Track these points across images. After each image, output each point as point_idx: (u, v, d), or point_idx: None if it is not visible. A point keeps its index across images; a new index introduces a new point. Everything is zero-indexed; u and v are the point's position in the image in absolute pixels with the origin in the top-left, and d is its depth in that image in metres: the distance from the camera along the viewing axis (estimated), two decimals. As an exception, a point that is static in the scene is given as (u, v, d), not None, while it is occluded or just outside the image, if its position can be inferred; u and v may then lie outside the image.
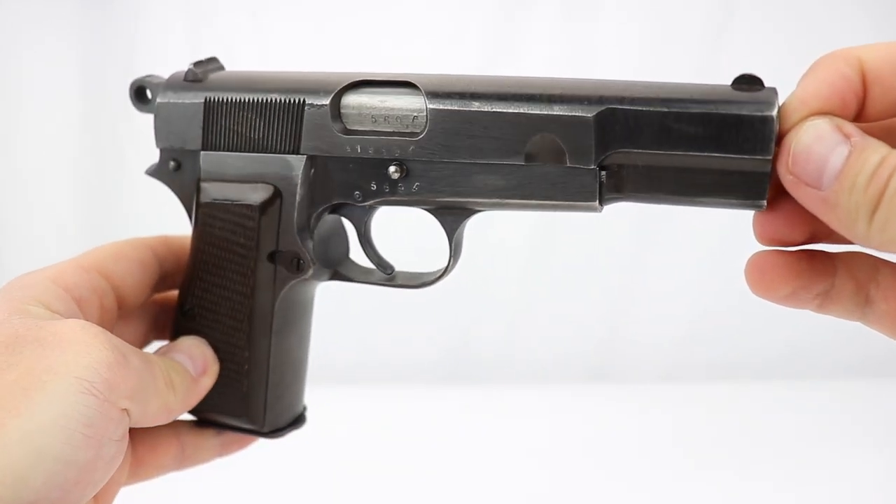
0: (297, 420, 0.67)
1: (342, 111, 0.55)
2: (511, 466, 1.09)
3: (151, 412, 0.53)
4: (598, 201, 0.50)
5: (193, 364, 0.60)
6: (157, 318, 0.67)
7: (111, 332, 0.52)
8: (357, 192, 0.56)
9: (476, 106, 0.50)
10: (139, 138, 1.55)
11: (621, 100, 0.47)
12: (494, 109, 0.50)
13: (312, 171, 0.56)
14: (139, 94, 0.64)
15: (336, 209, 0.59)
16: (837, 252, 0.48)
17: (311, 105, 0.55)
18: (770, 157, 0.44)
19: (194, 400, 0.59)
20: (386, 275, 0.61)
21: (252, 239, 0.59)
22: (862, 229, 0.40)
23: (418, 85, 0.52)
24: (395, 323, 1.57)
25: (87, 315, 0.55)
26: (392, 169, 0.53)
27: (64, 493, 0.45)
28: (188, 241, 0.64)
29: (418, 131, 0.52)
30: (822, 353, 1.57)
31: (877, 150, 0.40)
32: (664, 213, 1.52)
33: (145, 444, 0.61)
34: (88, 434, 0.45)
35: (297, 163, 0.56)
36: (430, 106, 0.52)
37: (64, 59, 1.58)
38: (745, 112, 0.45)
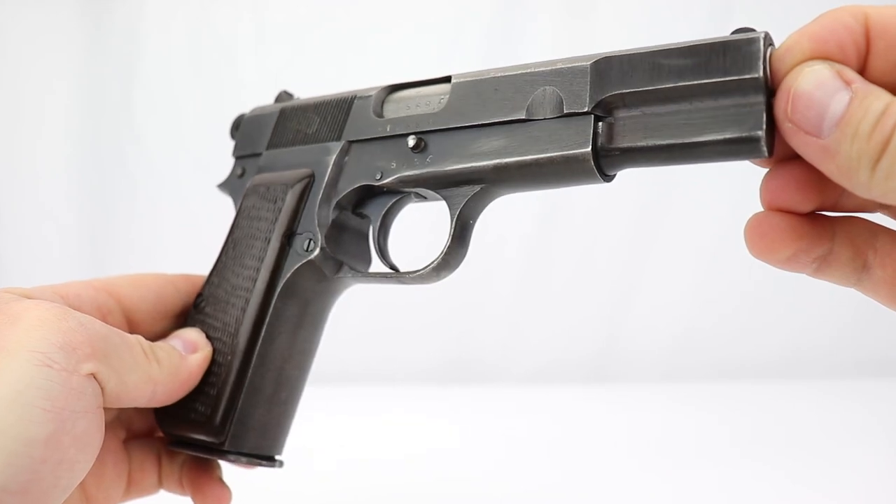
0: (266, 458, 0.63)
1: (385, 104, 0.63)
2: (512, 466, 1.09)
3: (132, 383, 0.52)
4: (591, 148, 0.50)
5: (184, 345, 0.60)
6: None
7: None
8: (378, 173, 0.61)
9: (490, 74, 0.57)
10: (139, 139, 1.57)
11: (617, 52, 0.51)
12: (505, 74, 0.56)
13: (346, 156, 0.63)
14: (238, 125, 0.74)
15: (361, 203, 0.64)
16: (836, 216, 0.47)
17: (360, 98, 0.64)
18: (758, 76, 0.44)
19: (185, 376, 0.58)
20: (390, 270, 0.64)
21: (272, 221, 0.63)
22: (863, 178, 0.39)
23: (452, 77, 0.59)
24: (396, 324, 1.58)
25: None
26: (412, 141, 0.59)
27: (32, 474, 0.43)
28: None
29: (441, 109, 0.58)
30: (822, 354, 1.57)
31: (879, 98, 0.39)
32: (664, 213, 1.52)
33: (135, 462, 0.63)
34: (47, 408, 0.44)
35: (335, 147, 0.63)
36: (454, 82, 0.58)
37: (65, 59, 1.58)
38: (732, 39, 0.45)
